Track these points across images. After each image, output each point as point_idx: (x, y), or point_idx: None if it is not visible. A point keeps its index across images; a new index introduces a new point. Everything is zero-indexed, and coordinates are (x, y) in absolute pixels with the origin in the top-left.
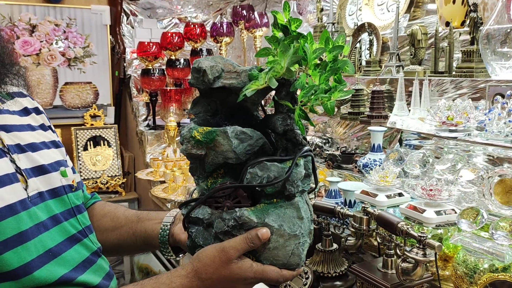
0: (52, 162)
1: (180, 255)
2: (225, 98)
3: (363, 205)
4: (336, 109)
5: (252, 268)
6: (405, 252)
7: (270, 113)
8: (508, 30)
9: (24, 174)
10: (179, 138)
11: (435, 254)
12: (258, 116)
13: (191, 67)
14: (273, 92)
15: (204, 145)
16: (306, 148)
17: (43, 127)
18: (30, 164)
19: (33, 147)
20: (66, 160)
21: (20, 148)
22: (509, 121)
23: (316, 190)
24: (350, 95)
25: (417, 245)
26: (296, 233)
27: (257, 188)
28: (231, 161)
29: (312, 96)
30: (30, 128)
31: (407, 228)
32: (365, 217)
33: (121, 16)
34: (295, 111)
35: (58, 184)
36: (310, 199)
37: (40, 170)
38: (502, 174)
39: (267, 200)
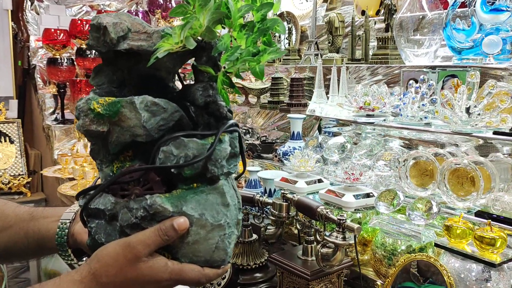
0: None
1: (84, 259)
2: (134, 66)
3: (282, 191)
4: (255, 99)
5: (167, 267)
6: (325, 237)
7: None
8: (420, 17)
9: None
10: None
11: (355, 236)
12: (175, 88)
13: (90, 24)
14: (192, 61)
15: (107, 120)
16: (231, 121)
17: None
18: None
19: None
20: None
21: None
22: (423, 104)
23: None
24: (282, 55)
25: (337, 228)
26: (221, 222)
27: (172, 170)
28: (141, 138)
29: (238, 60)
30: None
31: (327, 212)
32: (284, 203)
33: (25, 1)
34: (217, 79)
35: None
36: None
37: None
38: (416, 157)
39: (186, 185)
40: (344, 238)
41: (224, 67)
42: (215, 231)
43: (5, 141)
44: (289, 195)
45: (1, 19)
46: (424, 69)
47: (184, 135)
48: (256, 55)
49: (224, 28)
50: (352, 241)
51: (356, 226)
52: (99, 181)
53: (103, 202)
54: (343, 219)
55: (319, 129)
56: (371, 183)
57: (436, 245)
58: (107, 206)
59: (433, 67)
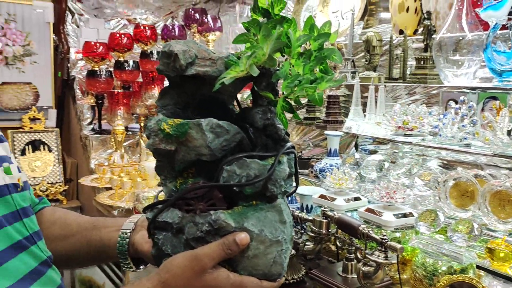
0: None
1: (141, 267)
2: (197, 90)
3: (322, 208)
4: (291, 115)
5: (229, 279)
6: (367, 255)
7: (248, 106)
8: (460, 39)
9: None
10: (126, 143)
11: (397, 256)
12: (234, 111)
13: (160, 51)
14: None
15: (175, 140)
16: (289, 144)
17: None
18: None
19: None
20: (10, 157)
21: None
22: (463, 125)
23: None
24: (341, 84)
25: (379, 247)
26: (279, 239)
27: (235, 188)
28: (205, 158)
29: (297, 87)
30: None
31: (368, 231)
32: (324, 220)
33: (66, 14)
34: (276, 104)
35: (1, 182)
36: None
37: None
38: (457, 178)
39: (246, 202)
40: (386, 258)
41: (283, 93)
42: (273, 247)
43: (44, 149)
44: (329, 213)
45: (43, 32)
46: (464, 90)
47: (246, 156)
48: (314, 82)
49: (283, 55)
50: (394, 261)
51: (399, 246)
52: (160, 196)
53: (171, 216)
54: (385, 239)
55: (356, 146)
56: (410, 203)
57: (478, 267)
58: (174, 220)
59: (473, 88)
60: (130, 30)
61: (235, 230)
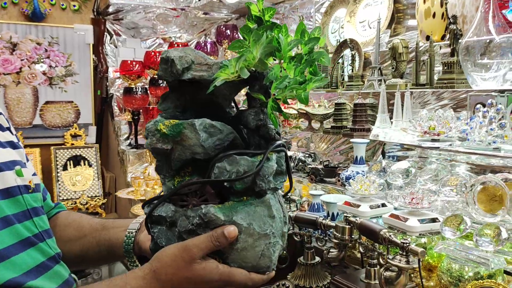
0: (6, 161)
1: None
2: (196, 94)
3: (345, 214)
4: (318, 124)
5: (218, 269)
6: (388, 260)
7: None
8: (487, 41)
9: None
10: None
11: (419, 260)
12: (231, 113)
13: (160, 57)
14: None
15: (171, 139)
16: (278, 142)
17: (0, 127)
18: None
19: None
20: (25, 162)
21: None
22: (491, 129)
23: (299, 202)
24: (326, 82)
25: (400, 252)
26: (267, 232)
27: (225, 184)
28: (199, 156)
29: (286, 88)
30: None
31: (390, 236)
32: (347, 226)
33: (105, 36)
34: (267, 104)
35: (13, 183)
36: (292, 211)
37: None
38: (484, 182)
39: (237, 198)
40: (407, 262)
41: (274, 94)
42: (262, 240)
43: (84, 164)
44: (352, 218)
45: (83, 53)
46: (493, 93)
47: (236, 153)
48: (303, 83)
49: (275, 60)
50: (416, 265)
51: (420, 249)
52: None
53: (165, 210)
54: (406, 243)
55: (383, 153)
56: (437, 208)
57: (506, 272)
58: (168, 213)
59: (502, 91)
60: (165, 48)
61: (225, 224)
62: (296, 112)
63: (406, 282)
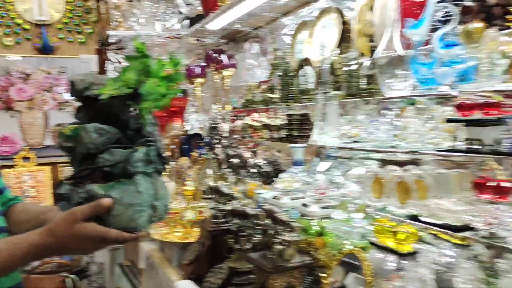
0: None
1: None
2: (98, 107)
3: (260, 204)
4: (276, 133)
5: (95, 228)
6: (279, 237)
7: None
8: (394, 57)
9: None
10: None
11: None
12: (126, 120)
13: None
14: None
15: (72, 139)
16: (145, 139)
17: None
18: None
19: None
20: None
21: None
22: (389, 130)
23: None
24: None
25: (286, 228)
26: (134, 203)
27: (105, 168)
28: (92, 150)
29: (153, 99)
30: None
31: (281, 216)
32: (261, 214)
33: (106, 63)
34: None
35: None
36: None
37: None
38: (377, 173)
39: (116, 180)
40: (292, 235)
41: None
42: (130, 208)
43: None
44: (265, 207)
45: None
46: (396, 100)
47: (114, 147)
48: (165, 95)
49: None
50: (299, 238)
51: (299, 225)
52: None
53: (64, 188)
54: (291, 221)
55: (318, 155)
56: (339, 198)
57: (371, 243)
58: (66, 191)
59: (402, 97)
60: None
61: (103, 197)
62: (260, 124)
63: (294, 254)
